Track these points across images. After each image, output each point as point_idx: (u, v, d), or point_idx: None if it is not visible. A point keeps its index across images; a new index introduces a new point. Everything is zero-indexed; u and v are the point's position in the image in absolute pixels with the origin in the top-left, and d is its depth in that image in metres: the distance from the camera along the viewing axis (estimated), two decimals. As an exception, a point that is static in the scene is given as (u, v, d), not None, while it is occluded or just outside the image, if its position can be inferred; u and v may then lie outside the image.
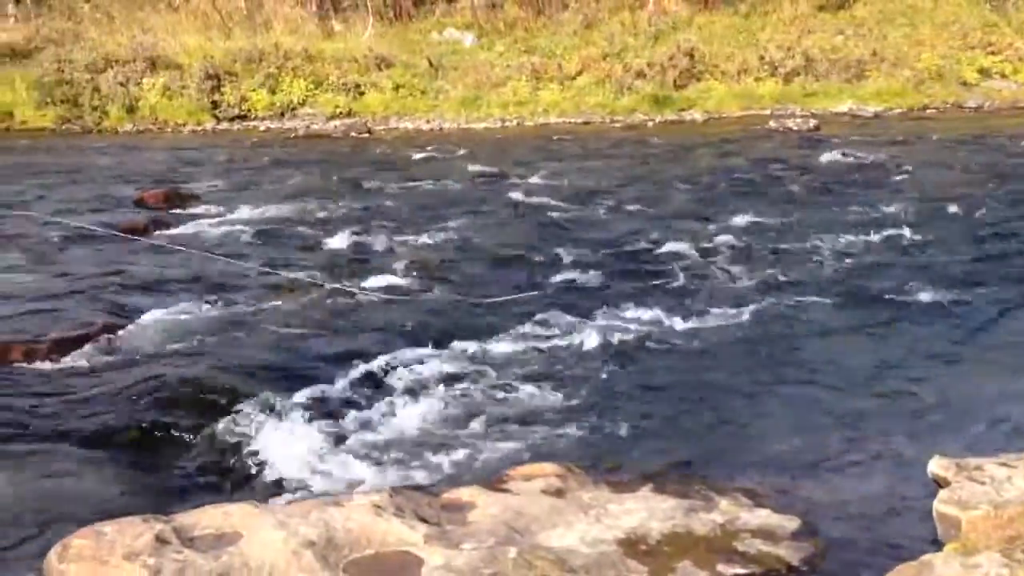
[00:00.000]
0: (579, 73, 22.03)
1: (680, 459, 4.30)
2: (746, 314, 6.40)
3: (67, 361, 5.64)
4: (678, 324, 6.22)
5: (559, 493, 3.70)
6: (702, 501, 3.67)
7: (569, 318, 6.25)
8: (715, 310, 6.49)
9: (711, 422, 4.83)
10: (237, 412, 4.72)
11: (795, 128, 17.65)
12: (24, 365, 5.57)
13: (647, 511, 3.54)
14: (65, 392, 5.13)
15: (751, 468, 4.16)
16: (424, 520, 3.41)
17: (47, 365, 5.58)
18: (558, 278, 7.52)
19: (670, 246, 8.46)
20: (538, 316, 6.29)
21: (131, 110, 22.49)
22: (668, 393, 5.20)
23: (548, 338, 5.94)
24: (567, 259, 8.19)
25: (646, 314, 6.38)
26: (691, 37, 22.35)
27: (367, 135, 19.99)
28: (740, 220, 9.55)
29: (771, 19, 23.69)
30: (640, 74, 21.48)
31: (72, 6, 27.88)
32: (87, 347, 5.81)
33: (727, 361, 5.63)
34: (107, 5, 27.44)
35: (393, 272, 7.77)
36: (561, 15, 24.80)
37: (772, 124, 18.27)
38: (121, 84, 22.58)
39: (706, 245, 8.53)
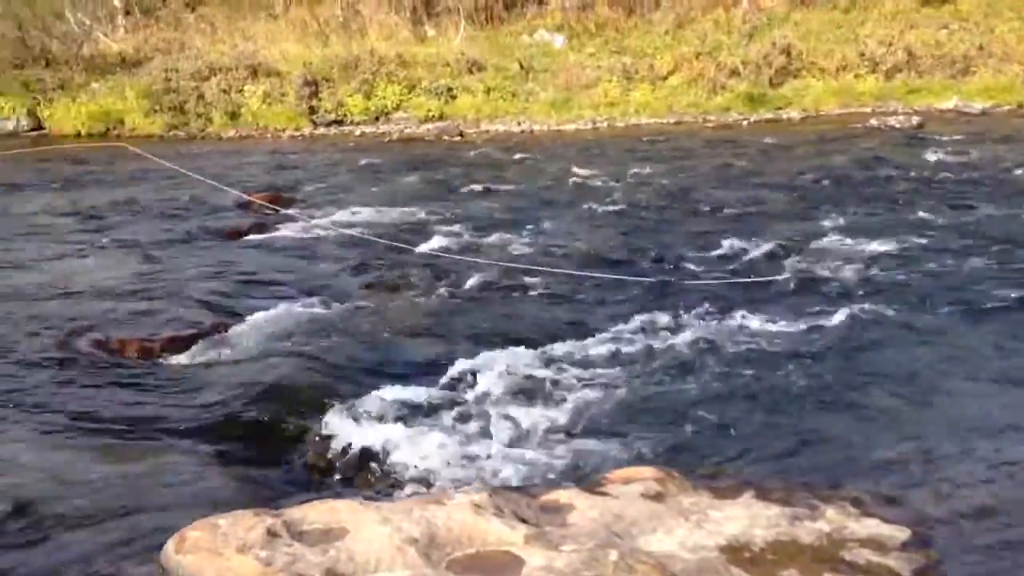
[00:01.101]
0: (671, 73, 21.81)
1: (782, 465, 4.22)
2: (848, 318, 6.23)
3: (179, 358, 5.88)
4: (777, 327, 6.11)
5: (658, 497, 3.67)
6: (807, 509, 3.59)
7: (666, 320, 6.21)
8: (816, 313, 6.35)
9: (813, 428, 4.72)
10: (339, 410, 4.83)
11: (897, 126, 17.10)
12: (140, 362, 5.83)
13: (749, 518, 3.49)
14: (178, 388, 5.35)
15: (857, 476, 4.05)
16: (523, 520, 3.44)
17: (161, 362, 5.83)
18: (654, 280, 7.46)
19: (767, 248, 8.31)
20: (635, 317, 6.27)
21: (234, 116, 23.25)
22: (766, 397, 5.10)
23: (643, 340, 5.91)
24: (662, 261, 8.13)
25: (744, 317, 6.28)
26: (787, 34, 21.89)
27: (459, 138, 20.21)
28: (840, 221, 9.31)
29: (872, 14, 23.00)
30: (734, 72, 21.13)
31: (178, 17, 29.00)
32: (198, 345, 6.05)
33: (827, 366, 5.49)
34: (211, 15, 28.45)
35: (487, 273, 7.84)
36: (653, 15, 24.60)
37: (873, 122, 17.74)
38: (224, 91, 23.37)
39: (805, 247, 8.34)
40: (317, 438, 4.62)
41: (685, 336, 5.89)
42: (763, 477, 4.00)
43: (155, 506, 3.98)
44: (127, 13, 29.35)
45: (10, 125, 24.20)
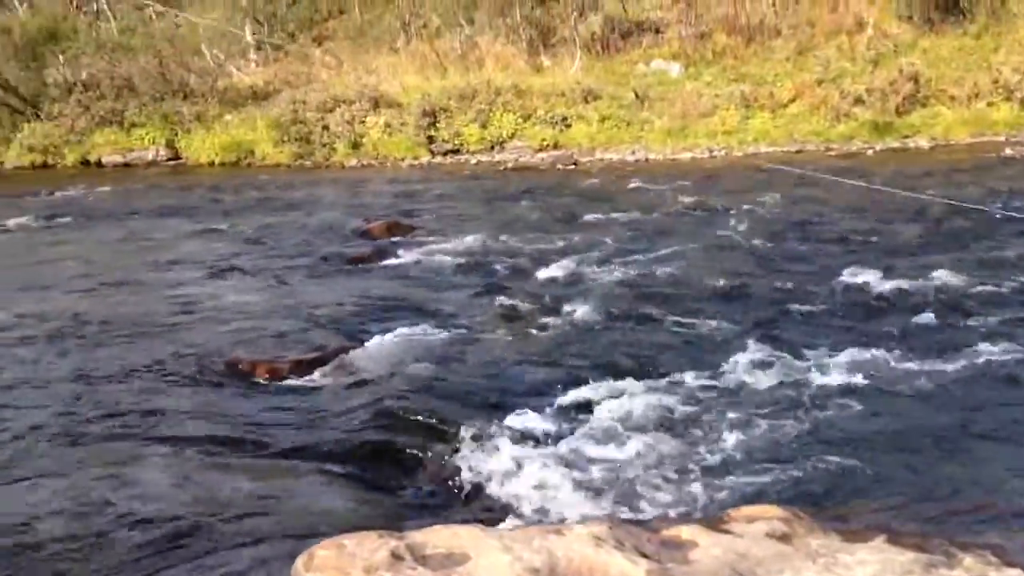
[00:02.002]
0: (792, 100, 21.38)
1: (915, 509, 4.04)
2: (982, 358, 5.94)
3: (305, 380, 6.09)
4: (906, 365, 5.88)
5: (785, 538, 3.56)
6: (943, 556, 3.42)
7: (788, 355, 6.06)
8: (957, 352, 6.07)
9: (948, 471, 4.51)
10: (459, 436, 4.91)
11: (1035, 155, 16.27)
12: (268, 383, 6.07)
13: (881, 563, 3.34)
14: (305, 410, 5.53)
15: (996, 522, 3.84)
16: (644, 555, 3.39)
17: (288, 383, 6.05)
18: (775, 313, 7.30)
19: (897, 282, 8.01)
20: (756, 351, 6.14)
21: (356, 146, 24.04)
22: (897, 438, 4.91)
23: (769, 373, 5.78)
24: (784, 293, 7.94)
25: (870, 353, 6.07)
26: (915, 61, 21.16)
27: (573, 167, 20.31)
28: (973, 256, 8.90)
29: (1006, 40, 21.99)
30: (858, 100, 20.54)
31: (306, 52, 30.26)
32: (323, 368, 6.25)
33: (963, 407, 5.24)
34: (336, 50, 29.58)
35: (604, 302, 7.82)
36: (773, 42, 24.19)
37: (1008, 151, 16.93)
38: (348, 122, 24.20)
39: (937, 282, 8.00)
40: (438, 463, 4.69)
41: (811, 370, 5.73)
42: (896, 521, 3.84)
43: (285, 525, 4.12)
44: (258, 49, 30.82)
45: (150, 155, 25.68)
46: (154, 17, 32.83)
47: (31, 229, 14.14)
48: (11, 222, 14.63)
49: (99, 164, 25.66)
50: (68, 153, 25.99)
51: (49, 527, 4.09)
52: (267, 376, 6.14)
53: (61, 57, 28.23)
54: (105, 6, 33.43)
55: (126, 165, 25.33)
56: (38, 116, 27.03)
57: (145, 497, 4.38)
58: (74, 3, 33.36)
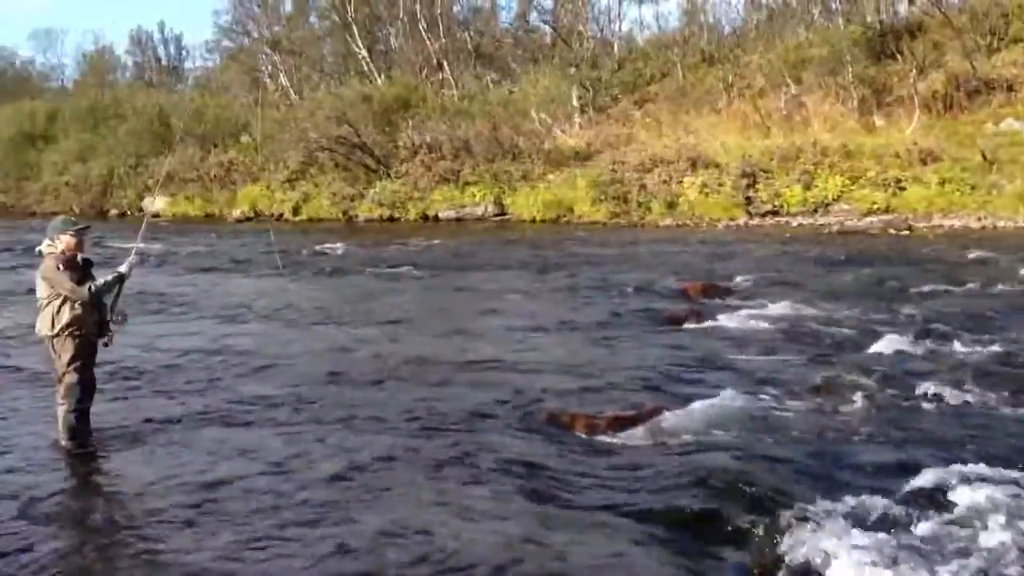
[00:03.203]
0: None
1: None
2: None
3: (622, 438, 6.11)
4: None
5: None
6: None
7: None
8: None
9: None
10: (785, 511, 4.66)
11: None
12: (586, 437, 6.18)
13: None
14: (620, 467, 5.55)
15: None
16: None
17: (605, 439, 6.11)
18: None
19: None
20: None
21: (671, 206, 24.21)
22: None
23: None
24: None
25: None
26: None
27: (907, 232, 18.96)
28: None
29: None
30: None
31: (627, 114, 31.14)
32: (639, 427, 6.25)
33: None
34: (657, 111, 30.14)
35: (943, 381, 7.13)
36: None
37: None
38: (664, 182, 24.49)
39: None
40: (762, 537, 4.48)
41: None
42: None
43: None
44: (582, 112, 32.19)
45: (480, 211, 27.66)
46: (491, 86, 35.53)
47: (380, 276, 15.69)
48: (368, 269, 16.37)
49: (436, 219, 28.07)
50: (411, 208, 28.70)
51: (390, 549, 4.43)
52: (585, 430, 6.25)
53: (410, 122, 31.38)
54: (449, 76, 36.76)
55: (459, 220, 27.46)
56: (388, 175, 30.17)
57: (461, 534, 4.60)
58: (424, 73, 37.02)
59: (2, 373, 8.36)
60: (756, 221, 22.61)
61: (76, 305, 5.88)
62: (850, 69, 26.33)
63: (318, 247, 20.26)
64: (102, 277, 6.03)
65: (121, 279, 6.10)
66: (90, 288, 5.90)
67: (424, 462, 5.66)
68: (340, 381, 7.81)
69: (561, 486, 5.25)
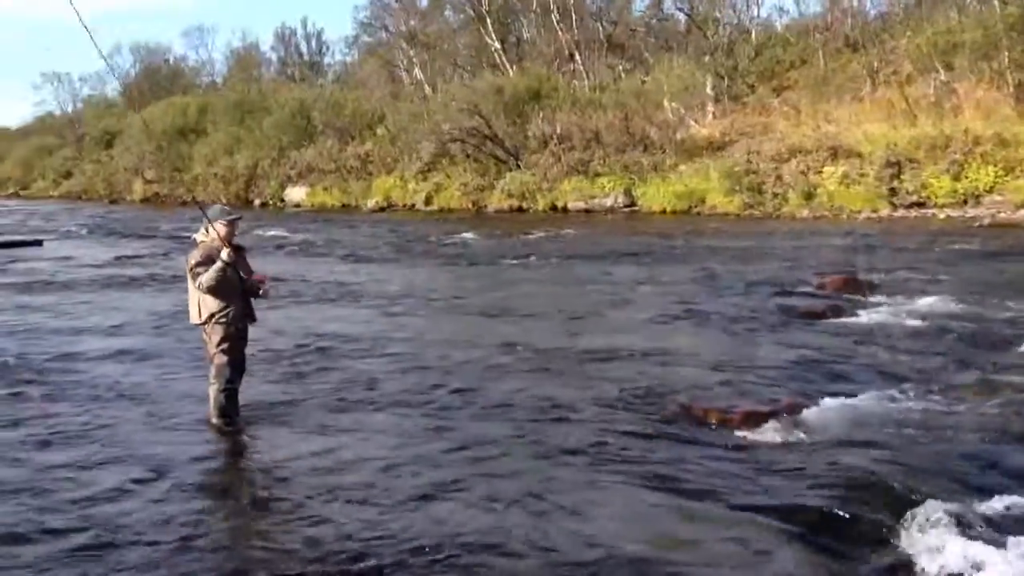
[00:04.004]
0: None
1: None
2: None
3: (756, 433, 5.98)
4: None
5: None
6: None
7: None
8: None
9: None
10: (921, 513, 4.46)
11: None
12: (719, 431, 6.08)
13: None
14: (755, 462, 5.43)
15: None
16: None
17: (738, 434, 6.00)
18: None
19: None
20: None
21: (808, 197, 23.41)
22: None
23: None
24: None
25: None
26: None
27: (1067, 226, 17.71)
28: None
29: None
30: None
31: (764, 102, 30.26)
32: (772, 423, 6.09)
33: None
34: (796, 99, 29.15)
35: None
36: None
37: None
38: (802, 173, 23.70)
39: None
40: (903, 540, 4.30)
41: None
42: None
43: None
44: (717, 101, 31.50)
45: (609, 201, 27.52)
46: (623, 75, 35.23)
47: (509, 266, 15.86)
48: (497, 259, 16.58)
49: (564, 209, 28.10)
50: (539, 199, 28.84)
51: (517, 539, 4.50)
52: (718, 424, 6.15)
53: (541, 113, 31.50)
54: (581, 67, 36.67)
55: (587, 211, 27.41)
56: (518, 166, 30.40)
57: (595, 523, 4.62)
58: (555, 64, 37.06)
59: (162, 354, 8.91)
60: (900, 213, 21.60)
61: (221, 293, 6.17)
62: (1006, 54, 24.73)
63: (448, 237, 20.64)
64: (215, 268, 6.09)
65: (225, 268, 6.08)
66: (201, 280, 6.09)
67: (551, 452, 5.70)
68: (469, 369, 7.94)
69: (693, 480, 5.18)
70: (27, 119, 72.00)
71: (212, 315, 6.20)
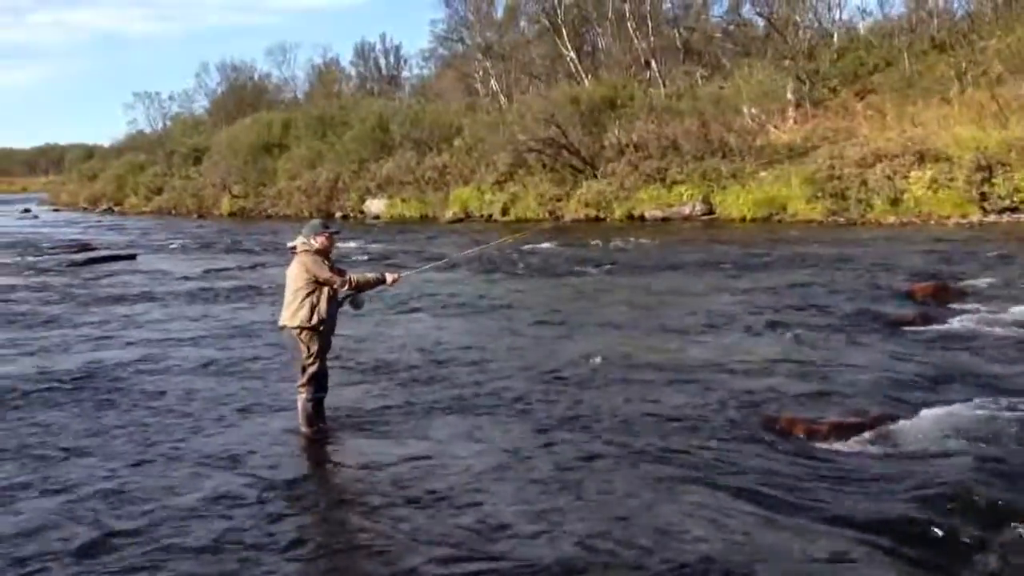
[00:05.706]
0: None
1: None
2: None
3: (845, 445, 5.86)
4: None
5: None
6: None
7: None
8: None
9: None
10: (1016, 528, 4.33)
11: None
12: (806, 443, 5.97)
13: None
14: (843, 475, 5.33)
15: None
16: None
17: (826, 446, 5.89)
18: None
19: None
20: None
21: (894, 203, 22.77)
22: None
23: None
24: None
25: None
26: None
27: None
28: None
29: None
30: None
31: (847, 106, 29.55)
32: (864, 434, 5.97)
33: None
34: (880, 103, 28.40)
35: None
36: None
37: None
38: (888, 178, 23.06)
39: None
40: (991, 555, 4.18)
41: None
42: None
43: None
44: (798, 106, 30.90)
45: (687, 210, 27.21)
46: (700, 82, 34.88)
47: (587, 275, 15.84)
48: (573, 268, 16.59)
49: (642, 218, 27.91)
50: (616, 208, 28.69)
51: (604, 550, 4.51)
52: (805, 435, 6.05)
53: (617, 122, 31.38)
54: (657, 74, 36.45)
55: (665, 219, 27.16)
56: (595, 175, 30.34)
57: (680, 532, 4.62)
58: (631, 72, 36.91)
59: (252, 360, 9.17)
60: (991, 218, 20.85)
61: (333, 299, 6.40)
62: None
63: (526, 247, 20.72)
64: (360, 273, 6.65)
65: (381, 282, 6.68)
66: (351, 278, 6.45)
67: (636, 462, 5.70)
68: (551, 379, 7.98)
69: (781, 491, 5.12)
70: (119, 137, 74.96)
71: (322, 321, 6.38)
